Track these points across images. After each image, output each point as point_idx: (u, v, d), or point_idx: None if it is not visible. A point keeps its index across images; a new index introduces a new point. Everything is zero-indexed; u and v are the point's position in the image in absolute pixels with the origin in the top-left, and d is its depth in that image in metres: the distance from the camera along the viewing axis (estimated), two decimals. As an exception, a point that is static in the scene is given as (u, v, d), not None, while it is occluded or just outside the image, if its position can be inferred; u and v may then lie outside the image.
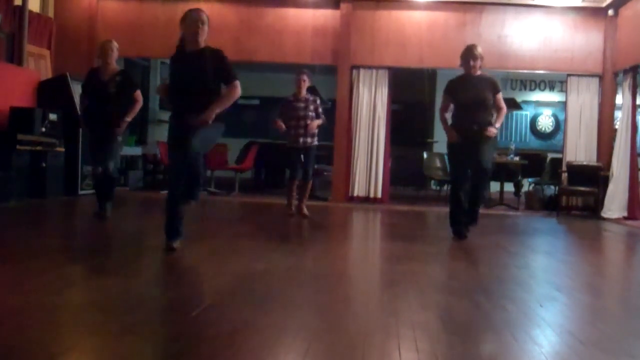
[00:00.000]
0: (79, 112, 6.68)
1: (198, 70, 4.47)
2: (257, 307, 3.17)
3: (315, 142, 7.36)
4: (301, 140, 7.25)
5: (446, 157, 11.67)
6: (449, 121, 6.09)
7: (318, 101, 7.39)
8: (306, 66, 8.05)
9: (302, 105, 7.27)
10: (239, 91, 4.51)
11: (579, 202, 9.74)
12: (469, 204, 5.95)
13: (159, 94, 4.98)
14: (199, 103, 4.41)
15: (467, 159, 5.92)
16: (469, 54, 5.93)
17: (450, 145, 6.02)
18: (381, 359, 2.54)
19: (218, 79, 4.52)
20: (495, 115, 5.93)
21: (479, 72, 5.97)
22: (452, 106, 6.12)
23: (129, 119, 6.25)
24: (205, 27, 4.50)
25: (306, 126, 7.21)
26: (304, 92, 7.30)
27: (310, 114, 7.25)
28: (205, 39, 4.53)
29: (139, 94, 6.29)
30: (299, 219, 7.30)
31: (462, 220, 5.94)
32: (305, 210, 7.47)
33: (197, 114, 4.37)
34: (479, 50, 5.95)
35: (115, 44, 6.37)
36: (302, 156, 7.29)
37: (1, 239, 5.24)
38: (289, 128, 7.26)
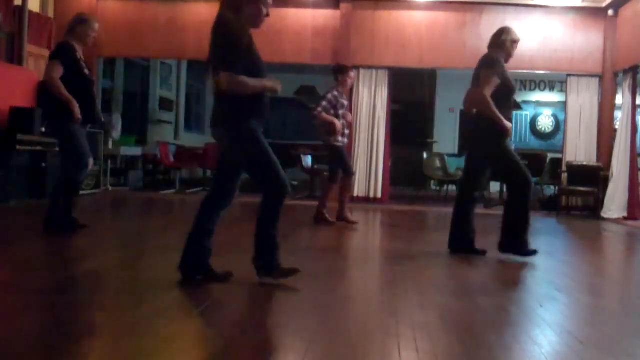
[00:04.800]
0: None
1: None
2: (257, 307, 3.16)
3: None
4: (346, 139, 6.80)
5: (446, 157, 11.78)
6: None
7: None
8: (306, 66, 7.97)
9: (347, 103, 6.85)
10: None
11: (578, 202, 9.74)
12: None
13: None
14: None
15: None
16: (515, 37, 4.93)
17: (504, 142, 4.84)
18: (381, 359, 2.54)
19: None
20: None
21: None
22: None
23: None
24: None
25: (347, 125, 6.77)
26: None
27: None
28: None
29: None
30: (298, 220, 7.24)
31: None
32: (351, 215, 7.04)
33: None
34: None
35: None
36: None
37: (2, 239, 5.24)
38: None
